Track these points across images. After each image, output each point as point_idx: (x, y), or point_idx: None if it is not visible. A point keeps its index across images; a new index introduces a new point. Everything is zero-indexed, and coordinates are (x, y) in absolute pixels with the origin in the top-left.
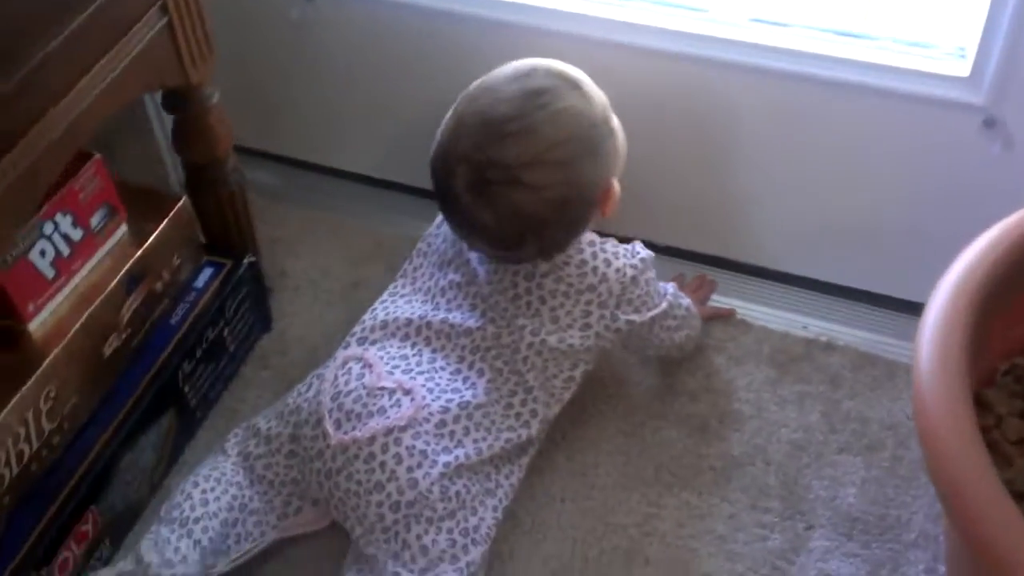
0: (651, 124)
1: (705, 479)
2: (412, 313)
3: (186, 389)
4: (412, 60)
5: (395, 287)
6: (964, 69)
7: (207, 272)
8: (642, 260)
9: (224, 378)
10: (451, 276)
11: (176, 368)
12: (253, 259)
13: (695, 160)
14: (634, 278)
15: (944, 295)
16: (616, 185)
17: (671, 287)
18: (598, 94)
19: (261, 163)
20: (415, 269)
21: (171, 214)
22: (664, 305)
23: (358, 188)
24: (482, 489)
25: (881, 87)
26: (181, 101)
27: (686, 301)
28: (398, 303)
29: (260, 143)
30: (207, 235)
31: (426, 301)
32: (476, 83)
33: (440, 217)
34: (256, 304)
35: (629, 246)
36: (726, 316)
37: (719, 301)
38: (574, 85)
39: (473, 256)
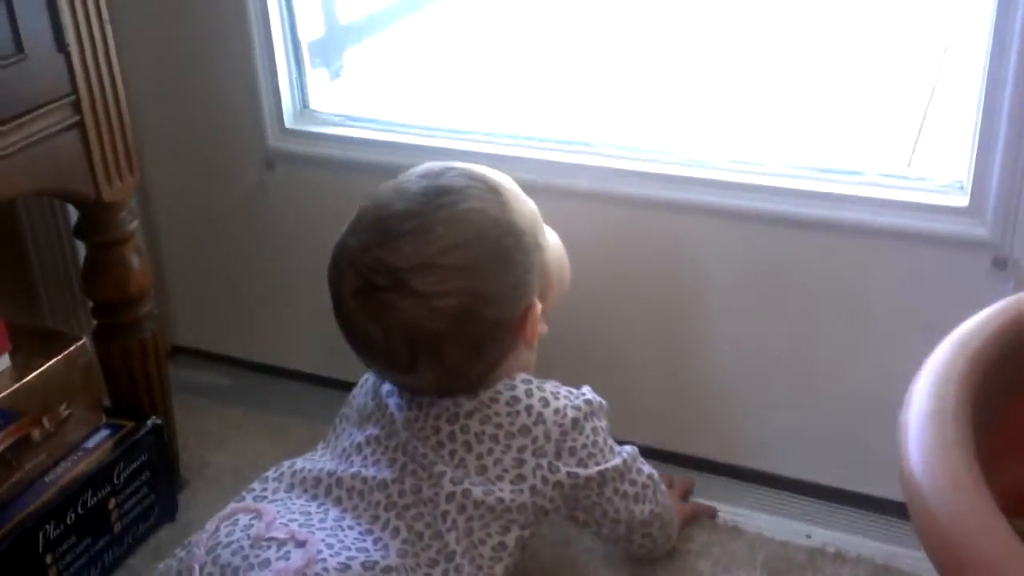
0: (623, 288)
1: None
2: (322, 470)
3: (48, 560)
4: None
5: (312, 452)
6: (963, 200)
7: (103, 433)
8: (587, 402)
9: (103, 563)
10: (369, 431)
11: (37, 529)
12: (158, 422)
13: (672, 336)
14: (576, 421)
15: (942, 350)
16: (539, 307)
17: (632, 447)
18: (525, 204)
19: (210, 365)
20: (337, 436)
21: (63, 354)
22: (618, 460)
23: (305, 387)
24: None
25: (874, 224)
26: (93, 225)
27: (650, 470)
28: (309, 462)
29: (209, 345)
30: (113, 393)
31: (341, 460)
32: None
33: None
34: (157, 480)
35: (574, 389)
36: (708, 514)
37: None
38: (491, 189)
39: (392, 402)
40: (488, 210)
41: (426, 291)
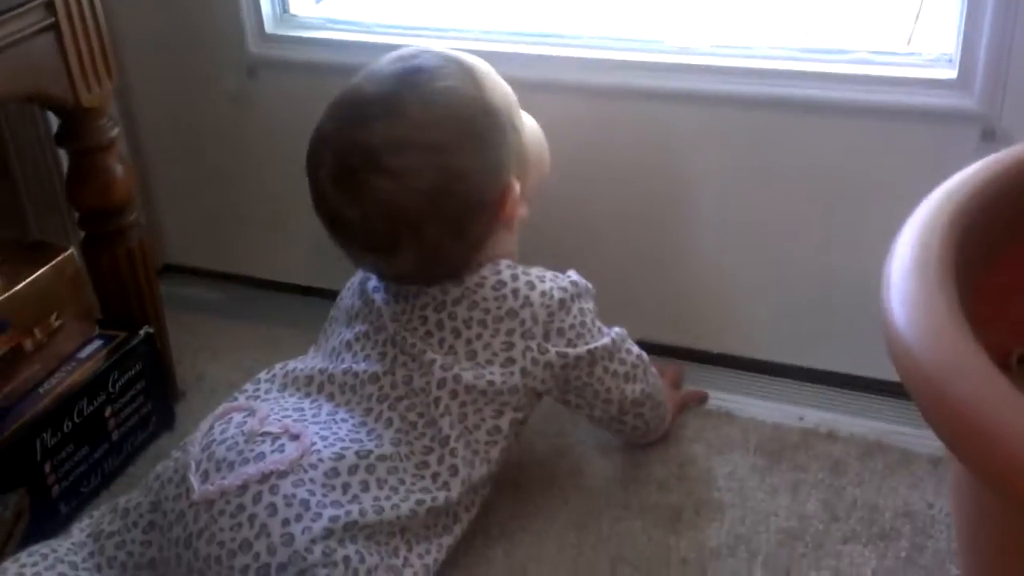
0: (612, 182)
1: (674, 574)
2: (313, 368)
3: (47, 469)
4: None
5: (303, 355)
6: (951, 73)
7: (96, 344)
8: (573, 283)
9: (103, 471)
10: (358, 328)
11: (34, 437)
12: (150, 331)
13: (660, 225)
14: (563, 302)
15: (927, 204)
16: (517, 187)
17: (619, 329)
18: (500, 87)
19: (201, 281)
20: (327, 338)
21: (52, 263)
22: (606, 340)
23: (298, 299)
24: (383, 565)
25: (864, 102)
26: (74, 132)
27: (640, 351)
28: (301, 362)
29: (200, 261)
30: (103, 304)
31: (331, 358)
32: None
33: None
34: (153, 389)
35: (560, 272)
36: (700, 399)
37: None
38: (465, 69)
39: (378, 297)
40: (461, 89)
41: (401, 169)
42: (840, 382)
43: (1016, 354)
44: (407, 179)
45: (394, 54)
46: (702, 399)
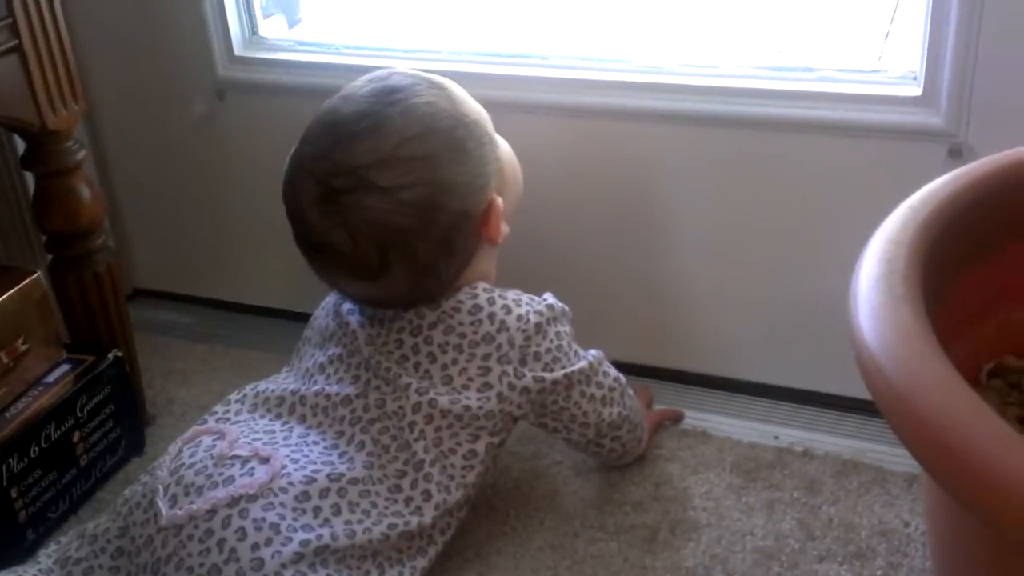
0: (583, 201)
1: None
2: (285, 389)
3: (14, 494)
4: None
5: (275, 375)
6: (916, 90)
7: (63, 368)
8: (549, 307)
9: (71, 496)
10: (332, 350)
11: (0, 462)
12: (119, 354)
13: (633, 246)
14: (539, 326)
15: (894, 217)
16: (500, 202)
17: (596, 352)
18: (472, 103)
19: (171, 305)
20: (300, 359)
21: (18, 287)
22: (583, 364)
23: (269, 322)
24: None
25: (831, 120)
26: (40, 155)
27: (617, 373)
28: (272, 383)
29: (170, 285)
30: (71, 328)
31: (304, 379)
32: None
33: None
34: (122, 414)
35: (536, 296)
36: (675, 418)
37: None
38: (437, 86)
39: (353, 320)
40: (438, 103)
41: (390, 185)
42: (815, 401)
43: (985, 369)
44: (397, 194)
45: (365, 77)
46: (678, 418)
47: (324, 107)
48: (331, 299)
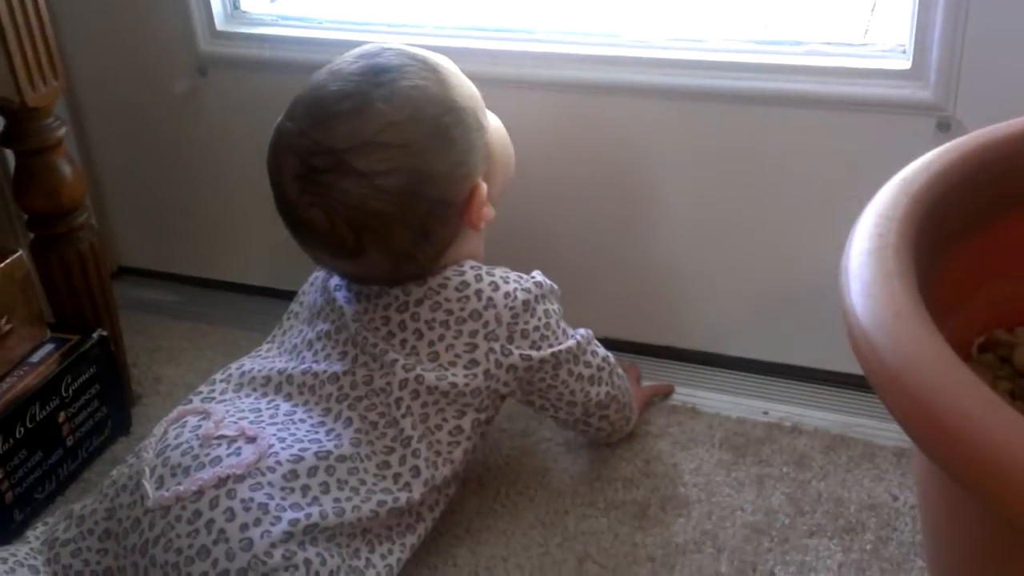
0: (571, 177)
1: (641, 571)
2: (271, 368)
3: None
4: None
5: (258, 350)
6: (905, 64)
7: (48, 348)
8: (537, 284)
9: (58, 477)
10: (320, 327)
11: None
12: (104, 333)
13: (621, 221)
14: (527, 303)
15: (885, 190)
16: (484, 189)
17: (586, 330)
18: (466, 85)
19: (156, 283)
20: (284, 332)
21: (0, 266)
22: (571, 343)
23: (255, 300)
24: (345, 567)
25: (820, 93)
26: (19, 133)
27: (605, 353)
28: (257, 361)
29: (155, 264)
30: (55, 307)
31: (291, 357)
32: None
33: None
34: (108, 393)
35: (524, 273)
36: (665, 393)
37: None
38: (429, 67)
39: (340, 296)
40: (427, 87)
41: (368, 170)
42: (804, 375)
43: (976, 343)
44: (374, 180)
45: (356, 51)
46: (667, 392)
47: (311, 81)
48: (320, 273)
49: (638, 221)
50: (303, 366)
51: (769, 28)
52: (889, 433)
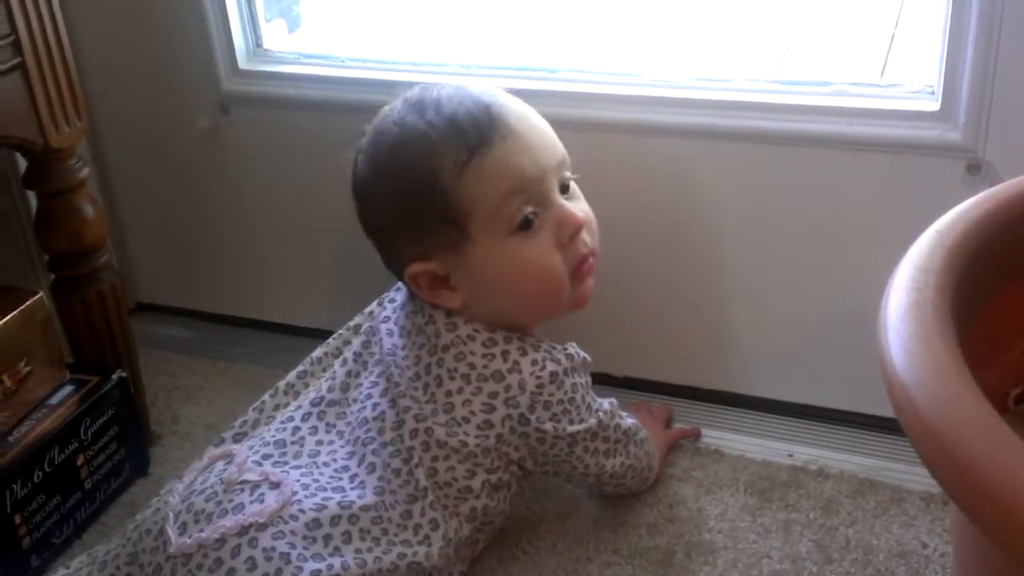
0: (596, 218)
1: None
2: (301, 404)
3: (17, 520)
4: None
5: (290, 385)
6: (934, 105)
7: (67, 389)
8: (568, 356)
9: (76, 521)
10: (350, 367)
11: (3, 488)
12: (123, 375)
13: (649, 262)
14: (555, 375)
15: (921, 243)
16: (424, 269)
17: (610, 402)
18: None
19: (174, 319)
20: (315, 373)
21: (20, 308)
22: (592, 422)
23: (273, 337)
24: None
25: (846, 135)
26: (42, 174)
27: (629, 423)
28: (289, 397)
29: (173, 300)
30: (74, 348)
31: (322, 393)
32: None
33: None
34: (126, 435)
35: (558, 344)
36: (692, 436)
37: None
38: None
39: (383, 328)
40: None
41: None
42: (829, 417)
43: (1013, 394)
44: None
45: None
46: (696, 436)
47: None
48: (365, 323)
49: (665, 261)
50: (335, 406)
51: (784, 63)
52: (917, 477)
